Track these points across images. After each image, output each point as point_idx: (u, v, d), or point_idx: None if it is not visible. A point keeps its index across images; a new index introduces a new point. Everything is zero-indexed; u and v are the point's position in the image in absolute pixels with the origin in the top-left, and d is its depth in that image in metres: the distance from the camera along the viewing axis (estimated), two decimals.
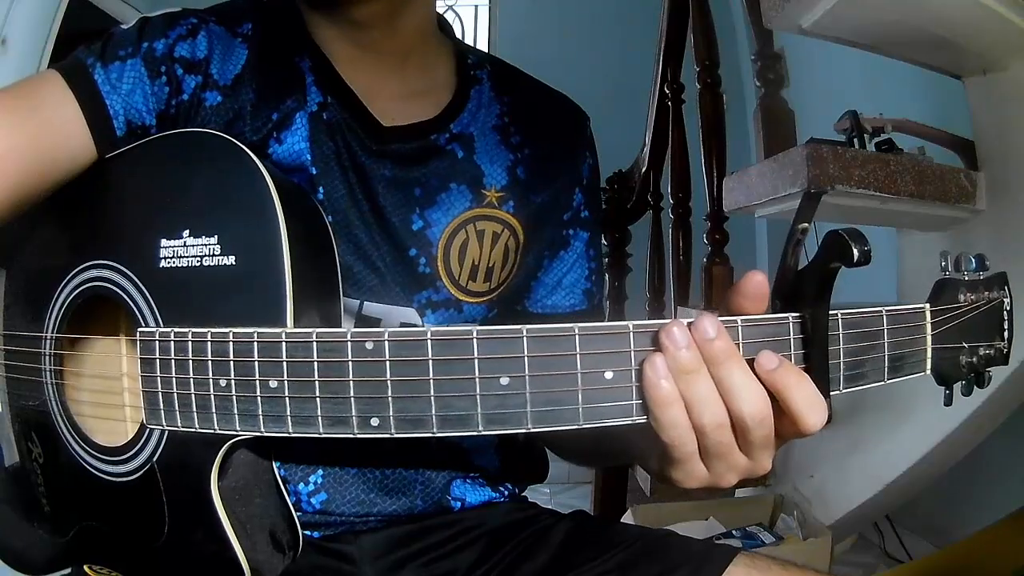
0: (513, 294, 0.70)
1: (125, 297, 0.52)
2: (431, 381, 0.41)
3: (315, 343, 0.42)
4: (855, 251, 0.40)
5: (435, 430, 0.41)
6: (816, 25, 1.26)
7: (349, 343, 0.42)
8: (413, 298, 0.64)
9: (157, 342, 0.48)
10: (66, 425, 0.57)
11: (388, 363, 0.41)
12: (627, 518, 1.76)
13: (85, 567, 0.58)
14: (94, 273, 0.55)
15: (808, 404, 0.41)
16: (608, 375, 0.41)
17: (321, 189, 0.61)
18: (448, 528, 0.68)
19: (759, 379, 0.41)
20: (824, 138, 1.43)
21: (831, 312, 0.43)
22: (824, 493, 1.71)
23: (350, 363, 0.42)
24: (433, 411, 0.41)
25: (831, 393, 0.43)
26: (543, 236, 0.70)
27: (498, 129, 0.69)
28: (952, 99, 1.49)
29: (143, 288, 0.51)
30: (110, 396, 0.57)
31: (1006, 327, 0.51)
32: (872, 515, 1.82)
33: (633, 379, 0.41)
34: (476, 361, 0.40)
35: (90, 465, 0.55)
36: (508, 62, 0.76)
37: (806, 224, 0.43)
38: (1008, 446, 1.56)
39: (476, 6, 3.64)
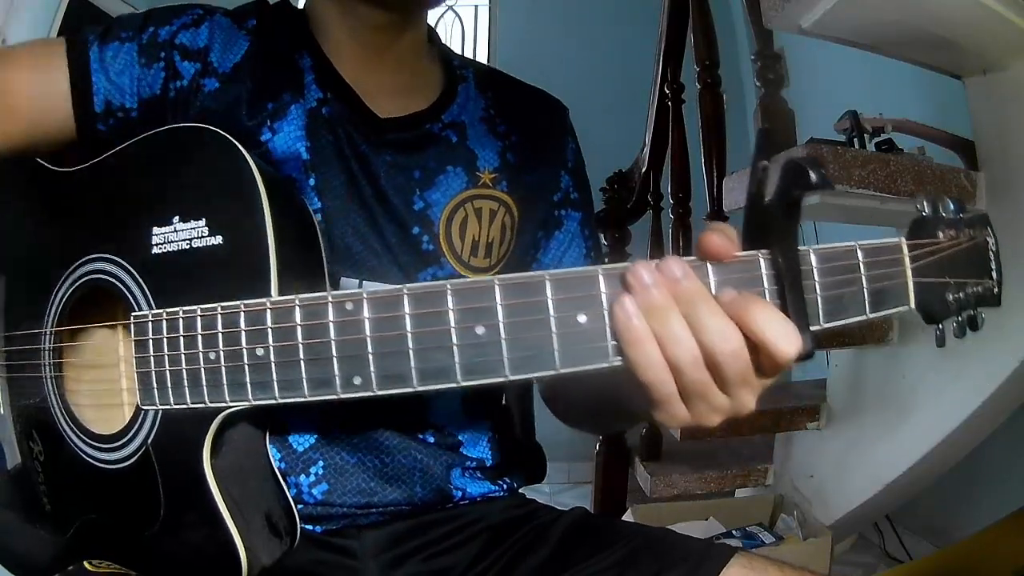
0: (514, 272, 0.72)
1: (121, 287, 0.54)
2: (408, 335, 0.42)
3: (298, 307, 0.44)
4: (812, 174, 0.40)
5: (415, 385, 0.43)
6: (816, 25, 1.26)
7: (330, 304, 0.43)
8: (418, 276, 0.66)
9: (150, 323, 0.50)
10: (65, 418, 0.58)
11: (367, 321, 0.43)
12: (627, 518, 1.76)
13: (85, 563, 0.58)
14: (92, 267, 0.56)
15: (775, 331, 0.40)
16: (581, 319, 0.41)
17: (314, 177, 0.64)
18: (448, 523, 0.68)
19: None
20: (824, 138, 1.43)
21: (802, 248, 0.43)
22: (824, 493, 1.71)
23: (331, 324, 0.43)
24: (412, 365, 0.42)
25: (811, 328, 0.43)
26: (536, 214, 0.73)
27: (485, 120, 0.73)
28: (952, 99, 1.49)
29: (137, 276, 0.53)
30: (107, 384, 0.58)
31: (993, 267, 0.50)
32: (872, 515, 1.82)
33: (606, 320, 0.42)
34: (451, 312, 0.42)
35: (88, 455, 0.56)
36: (506, 68, 0.80)
37: (766, 162, 0.43)
38: (1008, 446, 1.56)
39: (476, 6, 3.64)
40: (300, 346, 0.44)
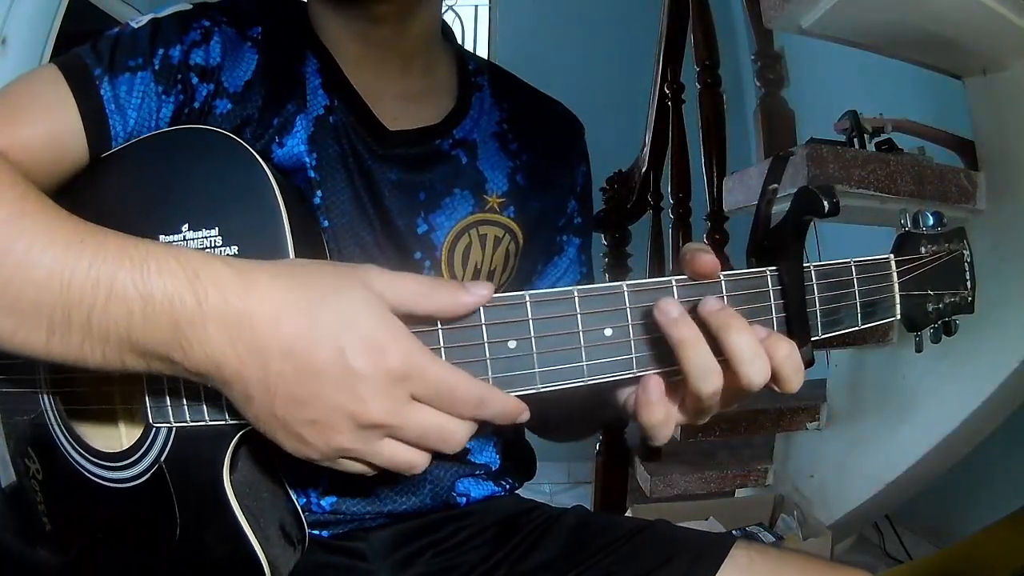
0: None
1: None
2: (442, 349, 0.43)
3: None
4: (825, 203, 0.43)
5: None
6: (816, 25, 1.26)
7: None
8: None
9: None
10: (65, 435, 0.55)
11: None
12: None
13: None
14: None
15: (794, 371, 0.44)
16: (607, 332, 0.44)
17: (320, 193, 0.61)
18: (455, 522, 0.69)
19: (702, 321, 0.44)
20: (824, 138, 1.43)
21: (804, 266, 0.47)
22: (824, 493, 1.71)
23: None
24: None
25: (811, 339, 0.47)
26: (540, 241, 0.72)
27: (497, 136, 0.69)
28: (952, 99, 1.48)
29: None
30: (111, 400, 0.55)
31: (968, 277, 0.55)
32: (872, 515, 1.82)
33: (631, 334, 0.44)
34: (483, 328, 0.43)
35: (93, 474, 0.54)
36: (506, 68, 0.76)
37: (776, 184, 0.47)
38: (1008, 446, 1.56)
39: (476, 6, 3.64)
40: None
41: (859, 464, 1.63)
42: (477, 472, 0.70)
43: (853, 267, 0.49)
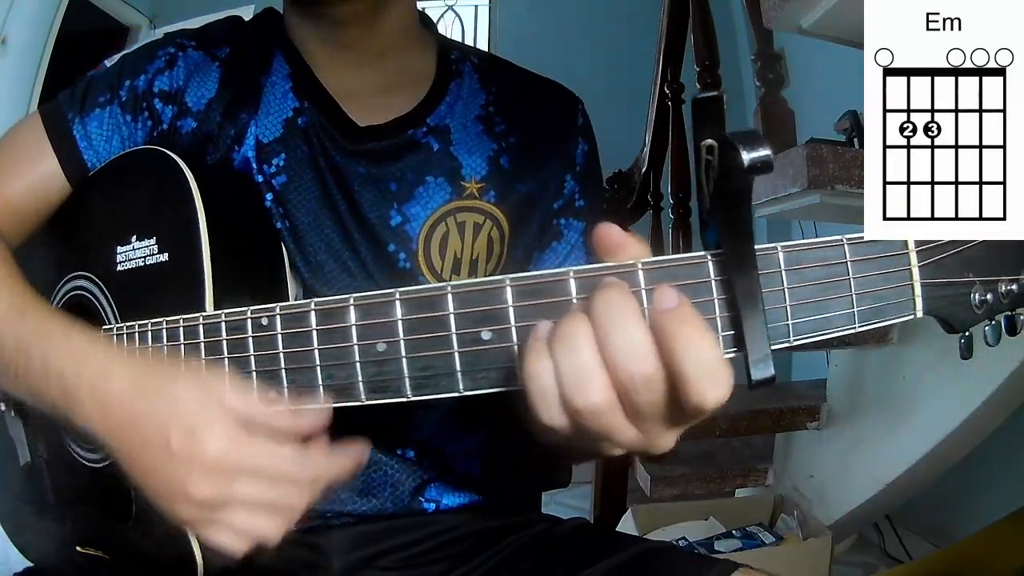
0: None
1: (95, 302, 0.59)
2: (316, 351, 0.42)
3: (223, 323, 0.46)
4: (743, 154, 0.32)
5: (323, 401, 0.43)
6: (816, 25, 1.26)
7: (249, 320, 0.44)
8: None
9: (113, 336, 0.54)
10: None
11: (280, 336, 0.43)
12: (627, 518, 1.76)
13: (77, 547, 0.60)
14: (74, 284, 0.61)
15: (700, 366, 0.33)
16: (485, 335, 0.38)
17: (271, 195, 0.62)
18: (422, 529, 0.66)
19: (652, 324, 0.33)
20: (824, 138, 1.43)
21: (768, 246, 0.36)
22: (824, 493, 1.71)
23: (250, 339, 0.45)
24: (320, 381, 0.42)
25: (775, 347, 0.36)
26: (531, 226, 0.67)
27: (482, 119, 0.67)
28: None
29: (106, 291, 0.58)
30: None
31: None
32: (872, 515, 1.82)
33: (514, 338, 0.37)
34: (353, 328, 0.40)
35: (76, 454, 0.60)
36: (497, 56, 0.75)
37: (710, 141, 0.35)
38: (1008, 446, 1.56)
39: (476, 6, 3.64)
40: (226, 360, 0.46)
41: (859, 464, 1.63)
42: (449, 478, 0.67)
43: (846, 246, 0.37)
